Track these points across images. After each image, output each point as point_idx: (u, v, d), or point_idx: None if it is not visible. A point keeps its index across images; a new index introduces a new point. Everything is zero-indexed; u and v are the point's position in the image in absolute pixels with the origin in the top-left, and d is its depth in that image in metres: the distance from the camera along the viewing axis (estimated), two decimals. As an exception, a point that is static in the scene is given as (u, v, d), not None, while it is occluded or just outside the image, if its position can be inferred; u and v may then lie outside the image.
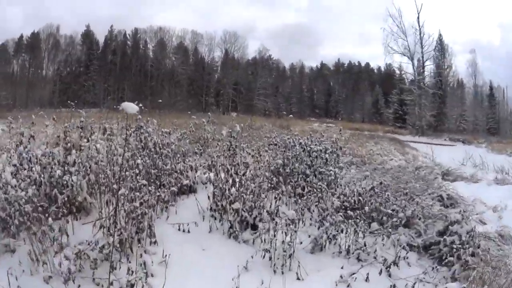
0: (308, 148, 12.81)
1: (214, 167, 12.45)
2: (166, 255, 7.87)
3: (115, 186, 8.44)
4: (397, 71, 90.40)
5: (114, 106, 14.19)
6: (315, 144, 12.95)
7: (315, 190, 11.43)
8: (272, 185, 11.53)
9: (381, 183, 11.94)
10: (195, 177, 11.66)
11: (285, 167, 12.69)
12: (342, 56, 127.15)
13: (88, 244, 7.60)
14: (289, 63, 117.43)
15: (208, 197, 10.09)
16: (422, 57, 79.50)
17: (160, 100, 55.90)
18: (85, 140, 10.40)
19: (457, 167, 24.35)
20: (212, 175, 11.56)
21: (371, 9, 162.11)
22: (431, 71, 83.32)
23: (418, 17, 78.01)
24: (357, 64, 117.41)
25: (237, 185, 9.90)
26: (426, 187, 14.89)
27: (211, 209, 9.88)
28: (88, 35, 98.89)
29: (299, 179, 12.13)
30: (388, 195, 11.28)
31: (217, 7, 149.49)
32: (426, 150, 35.02)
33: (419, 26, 77.85)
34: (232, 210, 9.58)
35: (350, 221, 9.49)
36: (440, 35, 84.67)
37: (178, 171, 11.28)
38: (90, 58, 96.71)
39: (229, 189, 9.78)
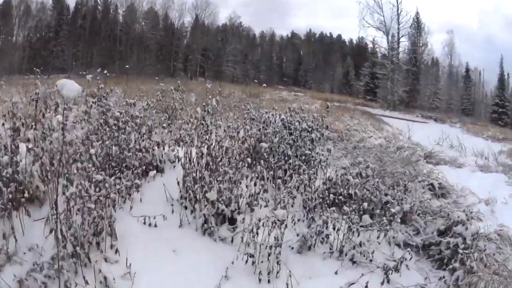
0: (290, 125, 11.49)
1: (183, 142, 10.98)
2: (130, 264, 6.47)
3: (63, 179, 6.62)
4: (371, 45, 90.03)
5: (82, 72, 13.04)
6: (298, 121, 11.52)
7: (298, 174, 10.19)
8: (248, 166, 10.18)
9: (367, 166, 10.81)
10: (162, 155, 10.20)
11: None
12: (313, 27, 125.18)
13: (40, 254, 6.24)
14: (259, 31, 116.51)
15: (178, 182, 8.67)
16: (398, 33, 78.18)
17: (128, 66, 53.94)
18: (41, 115, 8.77)
19: (440, 150, 23.58)
20: (181, 152, 9.76)
21: None
22: (405, 47, 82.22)
23: (396, -6, 77.04)
24: (328, 35, 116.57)
25: (210, 169, 8.64)
26: (415, 174, 13.78)
27: (181, 197, 8.53)
28: (59, 1, 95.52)
29: (280, 160, 10.64)
30: (377, 182, 10.28)
31: None
32: (400, 126, 34.26)
33: (396, 1, 76.32)
34: (207, 202, 8.22)
35: (344, 216, 8.22)
36: (417, 13, 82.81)
37: (143, 149, 9.81)
38: (60, 24, 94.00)
39: (201, 175, 8.47)
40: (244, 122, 12.52)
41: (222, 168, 8.66)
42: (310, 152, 11.02)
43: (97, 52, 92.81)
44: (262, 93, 42.03)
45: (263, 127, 11.71)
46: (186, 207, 8.33)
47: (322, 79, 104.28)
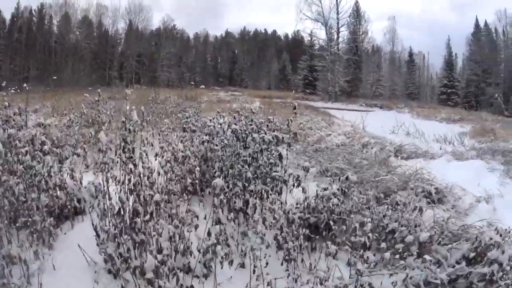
0: (245, 136, 8.28)
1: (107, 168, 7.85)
2: None
3: None
4: (308, 37, 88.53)
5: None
6: (254, 129, 8.44)
7: (262, 200, 7.75)
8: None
9: (347, 178, 7.76)
10: (79, 189, 7.16)
11: (209, 166, 8.69)
12: (249, 25, 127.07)
13: None
14: (193, 32, 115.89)
15: (97, 236, 5.92)
16: (338, 23, 77.00)
17: (55, 77, 51.83)
18: None
19: (410, 142, 21.34)
20: (103, 185, 6.57)
21: None
22: (345, 37, 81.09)
23: (335, -18, 75.71)
24: (263, 31, 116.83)
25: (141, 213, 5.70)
26: (405, 180, 11.22)
27: (105, 260, 5.71)
28: None
29: (235, 185, 7.74)
30: (364, 199, 8.12)
31: None
32: (347, 117, 32.43)
33: None
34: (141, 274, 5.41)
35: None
36: (357, 1, 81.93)
37: (56, 186, 7.10)
38: None
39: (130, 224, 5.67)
40: (183, 136, 10.36)
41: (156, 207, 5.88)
42: (276, 172, 8.15)
43: (33, 66, 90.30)
44: (199, 95, 39.65)
45: (208, 140, 9.00)
46: (114, 276, 5.67)
47: (258, 76, 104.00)
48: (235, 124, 8.72)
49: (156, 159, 8.25)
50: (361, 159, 13.48)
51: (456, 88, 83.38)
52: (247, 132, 8.29)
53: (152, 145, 8.99)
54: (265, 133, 8.30)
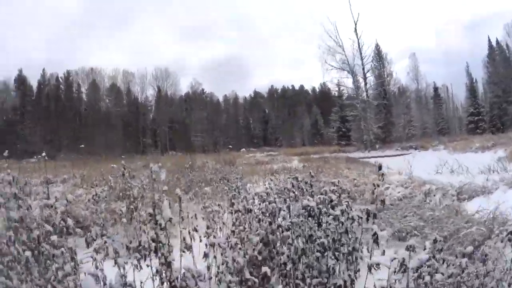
0: (318, 212, 6.35)
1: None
2: None
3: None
4: (336, 88, 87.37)
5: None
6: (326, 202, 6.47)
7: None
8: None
9: (435, 241, 5.83)
10: None
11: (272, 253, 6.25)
12: (275, 82, 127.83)
13: None
14: (222, 95, 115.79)
15: None
16: (363, 68, 76.36)
17: (86, 145, 51.50)
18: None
19: (469, 181, 19.51)
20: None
21: (300, 33, 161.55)
22: (371, 82, 79.79)
23: (355, 28, 75.41)
24: (290, 87, 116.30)
25: None
26: (489, 227, 9.45)
27: None
28: (21, 81, 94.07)
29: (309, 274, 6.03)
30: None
31: (146, 45, 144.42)
32: (388, 164, 30.73)
33: (357, 36, 75.13)
34: None
35: None
36: (377, 44, 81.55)
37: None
38: (25, 105, 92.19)
39: None
40: (231, 211, 8.62)
41: None
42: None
43: (64, 134, 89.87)
44: (237, 159, 38.37)
45: (270, 222, 6.53)
46: None
47: (291, 133, 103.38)
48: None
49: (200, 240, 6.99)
50: (430, 210, 11.74)
51: (481, 115, 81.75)
52: (320, 206, 6.36)
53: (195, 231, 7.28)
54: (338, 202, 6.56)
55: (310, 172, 11.05)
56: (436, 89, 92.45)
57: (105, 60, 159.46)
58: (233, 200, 8.78)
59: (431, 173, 24.54)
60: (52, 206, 6.71)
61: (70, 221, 6.43)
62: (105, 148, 66.31)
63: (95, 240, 7.23)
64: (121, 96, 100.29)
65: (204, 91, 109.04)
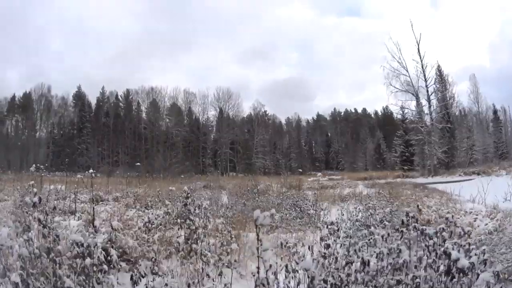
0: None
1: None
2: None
3: None
4: (399, 111, 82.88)
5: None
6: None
7: None
8: None
9: None
10: None
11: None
12: (337, 105, 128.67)
13: None
14: (285, 117, 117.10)
15: None
16: (427, 90, 73.68)
17: (138, 163, 51.39)
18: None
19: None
20: None
21: (360, 56, 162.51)
22: (434, 105, 76.54)
23: (418, 49, 72.87)
24: (353, 111, 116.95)
25: None
26: None
27: None
28: (80, 97, 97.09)
29: None
30: None
31: (208, 67, 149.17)
32: (456, 190, 28.74)
33: (420, 57, 72.58)
34: None
35: None
36: (438, 65, 79.16)
37: None
38: (83, 121, 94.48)
39: None
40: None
41: None
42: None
43: (123, 151, 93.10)
44: (299, 181, 36.83)
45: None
46: None
47: (354, 157, 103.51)
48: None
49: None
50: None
51: None
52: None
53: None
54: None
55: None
56: (495, 111, 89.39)
57: (165, 81, 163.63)
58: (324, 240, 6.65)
59: (500, 200, 22.46)
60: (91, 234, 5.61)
61: (113, 253, 5.88)
62: (164, 167, 66.07)
63: (143, 278, 6.38)
64: (182, 115, 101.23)
65: (267, 113, 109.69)
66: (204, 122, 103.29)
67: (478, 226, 12.27)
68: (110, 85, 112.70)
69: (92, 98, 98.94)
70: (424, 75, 72.39)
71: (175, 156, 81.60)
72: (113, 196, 21.02)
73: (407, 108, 77.77)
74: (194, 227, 8.51)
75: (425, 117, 74.16)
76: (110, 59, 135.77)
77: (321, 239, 6.63)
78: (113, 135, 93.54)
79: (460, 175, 58.99)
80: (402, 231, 6.20)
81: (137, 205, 17.77)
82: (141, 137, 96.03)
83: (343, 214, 15.91)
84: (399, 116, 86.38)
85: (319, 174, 64.76)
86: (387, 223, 12.98)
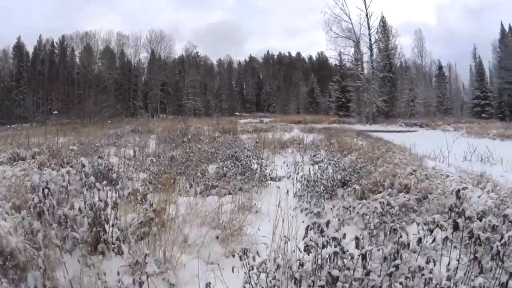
0: None
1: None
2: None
3: None
4: (337, 58, 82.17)
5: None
6: None
7: None
8: None
9: None
10: None
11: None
12: (271, 49, 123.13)
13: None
14: (216, 59, 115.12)
15: None
16: (370, 39, 73.03)
17: (56, 112, 49.13)
18: None
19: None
20: None
21: (296, 3, 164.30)
22: (376, 54, 75.88)
23: (364, -3, 71.53)
24: (287, 54, 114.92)
25: None
26: None
27: None
28: (19, 48, 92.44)
29: None
30: None
31: (142, 10, 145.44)
32: (398, 140, 27.70)
33: (365, 6, 71.41)
34: None
35: None
36: (383, 16, 77.54)
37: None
38: (20, 71, 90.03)
39: None
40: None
41: None
42: None
43: (56, 98, 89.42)
44: (229, 123, 34.52)
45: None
46: None
47: (286, 100, 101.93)
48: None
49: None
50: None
51: (489, 99, 78.88)
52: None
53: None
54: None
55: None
56: (440, 67, 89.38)
57: (101, 25, 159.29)
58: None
59: (459, 159, 20.51)
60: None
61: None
62: (95, 112, 64.16)
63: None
64: (114, 59, 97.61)
65: (199, 54, 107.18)
66: (135, 64, 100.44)
67: (470, 198, 9.73)
68: (51, 34, 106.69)
69: (31, 48, 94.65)
70: (368, 23, 71.84)
71: (105, 100, 78.34)
72: (32, 153, 17.79)
73: (347, 55, 77.13)
74: (99, 205, 5.96)
75: (365, 65, 73.83)
76: (50, 7, 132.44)
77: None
78: (48, 83, 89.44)
79: (401, 125, 59.16)
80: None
81: (52, 162, 14.49)
82: (74, 82, 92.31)
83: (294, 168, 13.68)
84: (337, 62, 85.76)
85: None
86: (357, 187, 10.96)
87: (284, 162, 14.97)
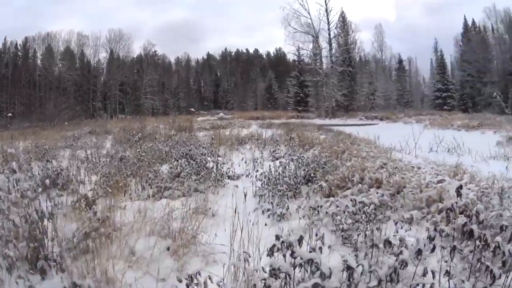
0: None
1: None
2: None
3: None
4: (295, 53, 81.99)
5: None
6: None
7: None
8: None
9: None
10: None
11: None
12: (229, 47, 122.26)
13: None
14: (175, 57, 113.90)
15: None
16: (329, 33, 73.03)
17: (10, 114, 49.09)
18: None
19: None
20: None
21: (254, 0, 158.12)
22: (336, 49, 75.88)
23: (323, -8, 71.74)
24: (244, 51, 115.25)
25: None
26: None
27: None
28: None
29: None
30: None
31: (103, 9, 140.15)
32: (362, 133, 26.71)
33: (325, 0, 71.32)
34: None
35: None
36: (342, 11, 78.44)
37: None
38: None
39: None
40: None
41: None
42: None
43: (18, 101, 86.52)
44: (185, 121, 33.53)
45: None
46: None
47: (244, 97, 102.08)
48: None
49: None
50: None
51: (451, 91, 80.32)
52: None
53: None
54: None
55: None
56: (400, 61, 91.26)
57: (63, 26, 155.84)
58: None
59: (425, 151, 19.81)
60: None
61: None
62: (55, 114, 62.24)
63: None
64: (74, 59, 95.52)
65: (157, 52, 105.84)
66: (95, 64, 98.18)
67: (448, 191, 8.89)
68: (16, 35, 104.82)
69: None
70: (328, 18, 71.80)
71: (65, 102, 77.54)
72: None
73: (306, 50, 76.94)
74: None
75: (324, 60, 74.19)
76: (17, 8, 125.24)
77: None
78: (11, 86, 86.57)
79: (361, 118, 59.65)
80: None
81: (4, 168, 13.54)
82: (35, 85, 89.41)
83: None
84: (295, 57, 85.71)
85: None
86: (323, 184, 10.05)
87: (242, 159, 14.17)
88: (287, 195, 9.58)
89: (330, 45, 73.57)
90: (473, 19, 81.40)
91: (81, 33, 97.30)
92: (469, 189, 8.55)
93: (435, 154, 18.69)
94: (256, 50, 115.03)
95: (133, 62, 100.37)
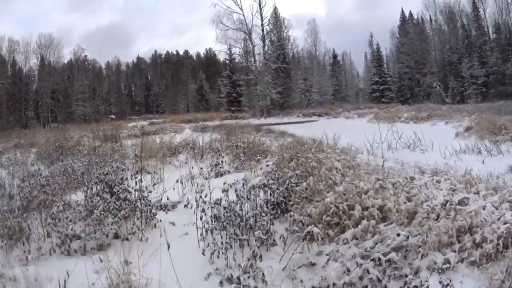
0: None
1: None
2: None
3: None
4: (227, 51, 79.93)
5: None
6: None
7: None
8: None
9: None
10: None
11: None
12: (159, 49, 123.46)
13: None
14: (105, 62, 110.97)
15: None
16: (263, 30, 72.24)
17: None
18: None
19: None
20: None
21: (183, 2, 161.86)
22: (269, 45, 75.01)
23: (257, -14, 70.54)
24: (174, 53, 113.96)
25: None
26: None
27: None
28: None
29: None
30: None
31: (34, 12, 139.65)
32: (300, 132, 24.94)
33: None
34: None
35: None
36: (275, 8, 77.59)
37: None
38: None
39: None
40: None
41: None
42: None
43: None
44: (119, 130, 30.00)
45: None
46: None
47: (175, 100, 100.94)
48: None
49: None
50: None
51: (388, 84, 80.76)
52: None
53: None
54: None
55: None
56: (335, 56, 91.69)
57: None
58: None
59: (384, 148, 16.82)
60: None
61: None
62: None
63: None
64: (5, 67, 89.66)
65: (87, 57, 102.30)
66: (26, 72, 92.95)
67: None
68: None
69: None
70: (261, 14, 71.10)
71: (-1, 112, 73.41)
72: None
73: (238, 47, 75.73)
74: None
75: (257, 57, 73.14)
76: None
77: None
78: None
79: (298, 116, 58.74)
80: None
81: None
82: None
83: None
84: (227, 56, 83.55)
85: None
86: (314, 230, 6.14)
87: (177, 180, 10.54)
88: (256, 245, 5.77)
89: (264, 41, 72.46)
90: (410, 11, 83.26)
91: (12, 39, 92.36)
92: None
93: (394, 152, 16.08)
94: (186, 52, 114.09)
95: (63, 68, 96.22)
